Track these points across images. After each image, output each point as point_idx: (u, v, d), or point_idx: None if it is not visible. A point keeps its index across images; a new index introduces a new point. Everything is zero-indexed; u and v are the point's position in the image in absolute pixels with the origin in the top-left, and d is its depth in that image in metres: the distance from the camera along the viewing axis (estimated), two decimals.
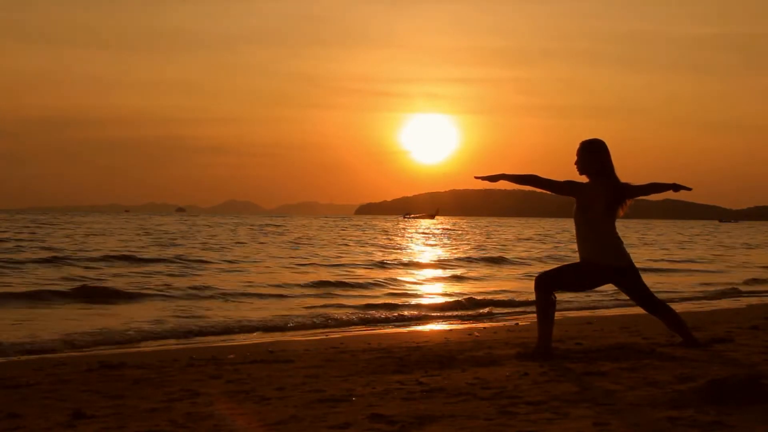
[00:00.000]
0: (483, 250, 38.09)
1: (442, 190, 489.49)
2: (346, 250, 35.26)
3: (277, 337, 10.73)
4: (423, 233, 65.77)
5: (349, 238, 51.26)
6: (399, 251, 35.66)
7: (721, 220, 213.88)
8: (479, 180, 6.47)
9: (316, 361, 7.13)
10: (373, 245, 41.06)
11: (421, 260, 29.31)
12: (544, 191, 6.52)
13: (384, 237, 54.34)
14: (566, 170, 6.63)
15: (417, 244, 43.89)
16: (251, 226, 76.56)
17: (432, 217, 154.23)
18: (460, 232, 71.58)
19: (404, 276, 22.26)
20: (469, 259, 30.05)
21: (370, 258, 29.60)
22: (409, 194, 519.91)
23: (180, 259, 26.08)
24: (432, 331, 11.14)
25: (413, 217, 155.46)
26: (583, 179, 6.49)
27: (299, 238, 49.16)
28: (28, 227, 55.64)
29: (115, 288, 16.67)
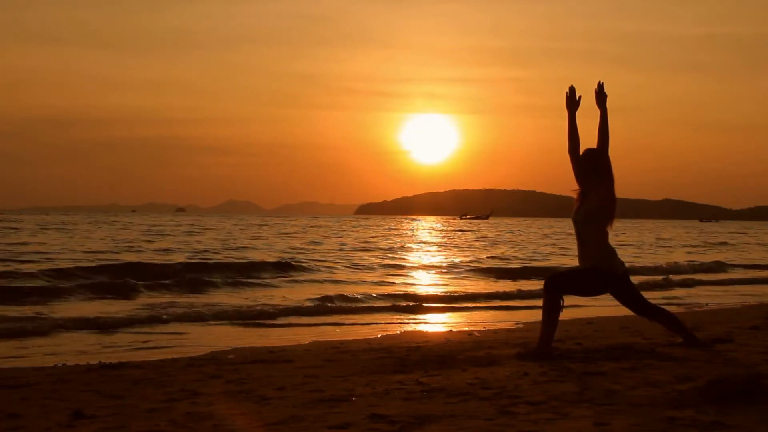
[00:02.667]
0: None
1: (442, 190, 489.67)
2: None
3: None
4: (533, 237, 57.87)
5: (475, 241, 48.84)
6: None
7: (701, 220, 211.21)
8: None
9: (316, 361, 7.13)
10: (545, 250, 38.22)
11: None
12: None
13: (512, 241, 49.35)
14: (565, 169, 6.64)
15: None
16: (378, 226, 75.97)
17: (486, 217, 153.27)
18: (542, 232, 66.81)
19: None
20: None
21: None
22: (409, 194, 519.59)
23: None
24: (432, 331, 11.14)
25: (471, 218, 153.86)
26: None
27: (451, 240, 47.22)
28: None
29: None
